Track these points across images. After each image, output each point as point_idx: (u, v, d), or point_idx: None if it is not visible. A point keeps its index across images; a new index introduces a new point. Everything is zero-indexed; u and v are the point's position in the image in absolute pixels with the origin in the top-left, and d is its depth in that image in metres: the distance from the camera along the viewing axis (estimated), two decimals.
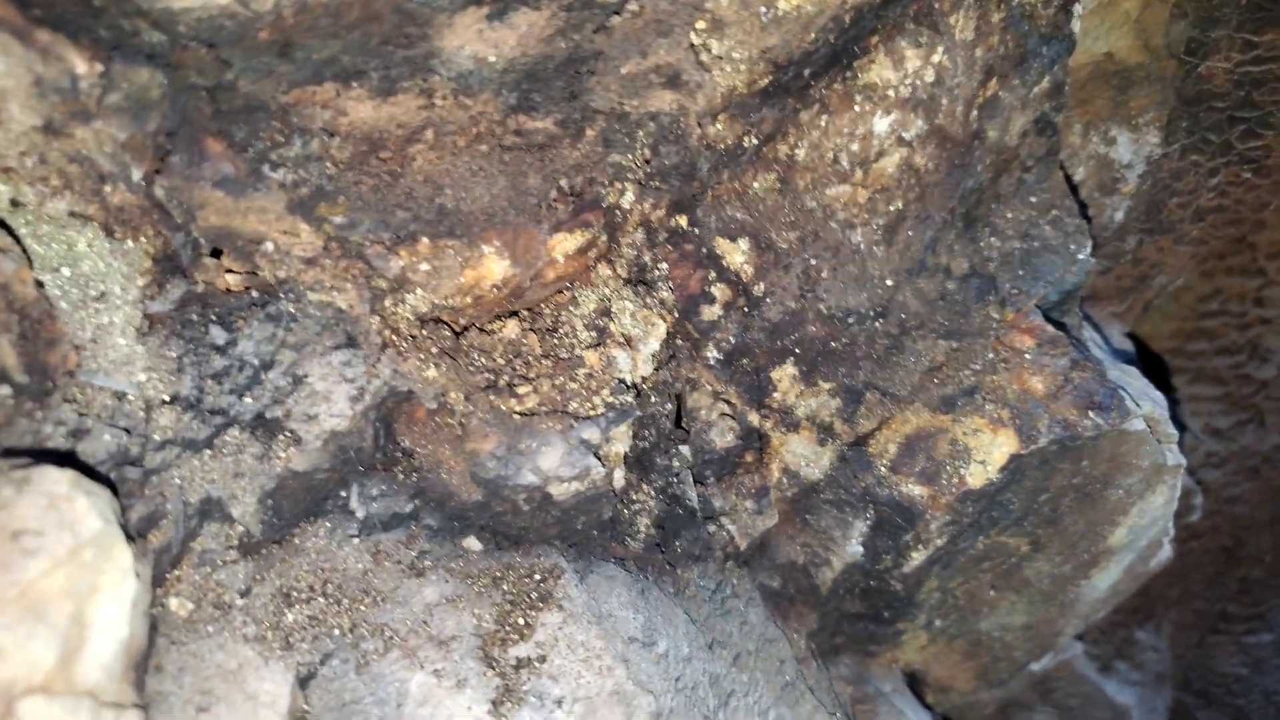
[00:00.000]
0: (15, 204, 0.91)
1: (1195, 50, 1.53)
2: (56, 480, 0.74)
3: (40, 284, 0.88)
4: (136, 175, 0.89)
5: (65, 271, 0.91)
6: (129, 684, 0.78)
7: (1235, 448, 2.38)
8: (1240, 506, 2.44)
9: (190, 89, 0.87)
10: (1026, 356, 1.31)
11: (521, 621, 1.00)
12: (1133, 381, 1.48)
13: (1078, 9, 1.30)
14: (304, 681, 0.91)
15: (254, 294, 0.96)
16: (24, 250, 0.88)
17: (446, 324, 1.07)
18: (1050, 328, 1.32)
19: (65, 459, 0.81)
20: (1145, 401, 1.42)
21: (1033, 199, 1.39)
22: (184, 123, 0.88)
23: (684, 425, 1.27)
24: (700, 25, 0.95)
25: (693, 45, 0.95)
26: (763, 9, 0.96)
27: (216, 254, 0.95)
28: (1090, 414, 1.31)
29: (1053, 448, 1.29)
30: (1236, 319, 2.28)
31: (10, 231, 0.88)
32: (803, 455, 1.28)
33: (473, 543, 1.04)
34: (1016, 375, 1.30)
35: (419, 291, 0.99)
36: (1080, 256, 1.34)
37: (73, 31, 0.83)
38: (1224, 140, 1.61)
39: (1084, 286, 1.40)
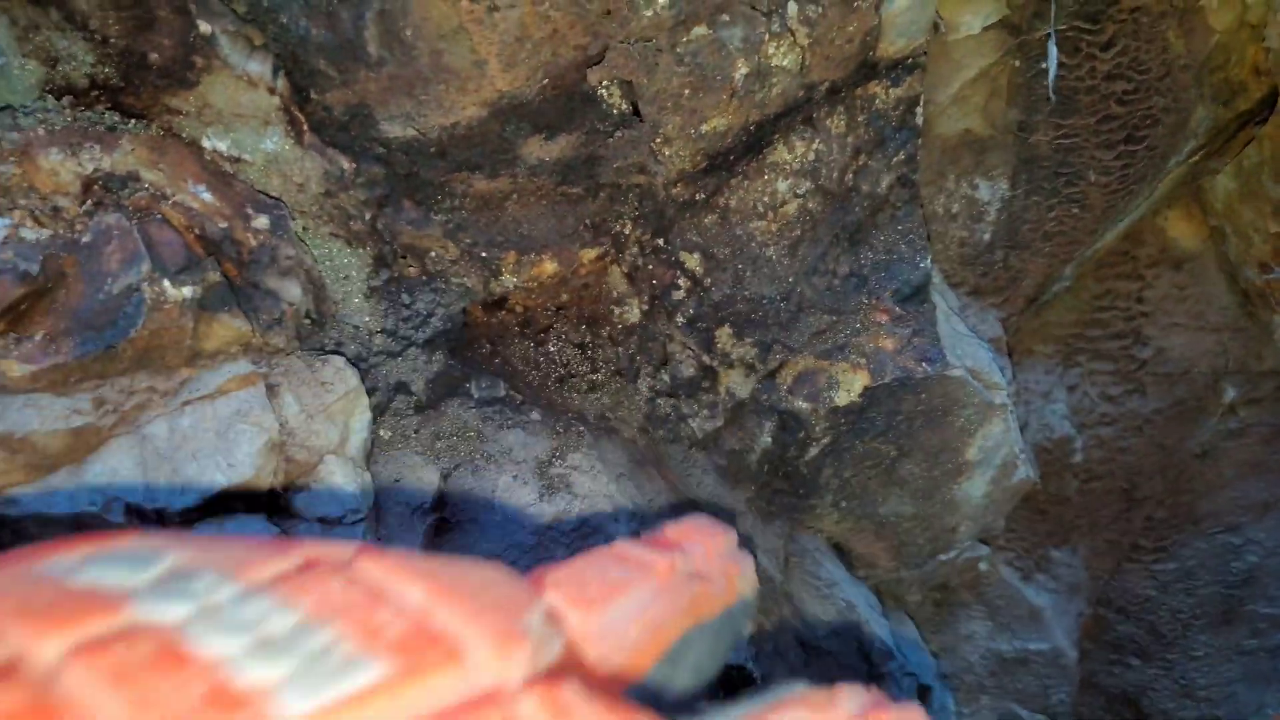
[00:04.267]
0: (305, 229, 1.71)
1: (1024, 128, 2.19)
2: (339, 359, 1.54)
3: (320, 272, 1.68)
4: (367, 216, 1.68)
5: (329, 264, 1.71)
6: (364, 460, 1.57)
7: (1124, 410, 2.98)
8: (1130, 456, 3.04)
9: (396, 174, 1.66)
10: (882, 327, 2.01)
11: (560, 455, 1.77)
12: (966, 348, 2.15)
13: (918, 110, 1.99)
14: (445, 477, 1.69)
15: (424, 278, 1.75)
16: (314, 252, 1.69)
17: (531, 299, 1.84)
18: (899, 309, 2.02)
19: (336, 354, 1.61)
20: (969, 360, 2.10)
21: (899, 228, 2.09)
22: (393, 191, 1.67)
23: (666, 361, 2.02)
24: (657, 141, 1.69)
25: (652, 150, 1.70)
26: (693, 131, 1.70)
27: (405, 257, 1.74)
28: (923, 364, 2.00)
29: (895, 384, 1.99)
30: (1123, 312, 2.90)
31: (306, 245, 1.69)
32: (737, 382, 2.02)
33: (535, 415, 1.81)
34: (874, 338, 2.01)
35: (509, 277, 1.77)
36: (922, 265, 2.03)
37: (343, 148, 1.62)
38: (1053, 187, 2.26)
39: (929, 284, 2.08)
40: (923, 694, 2.57)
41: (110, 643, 0.42)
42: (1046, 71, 2.09)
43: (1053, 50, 2.05)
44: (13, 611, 0.43)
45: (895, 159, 2.01)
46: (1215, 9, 2.14)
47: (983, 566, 2.84)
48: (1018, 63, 2.12)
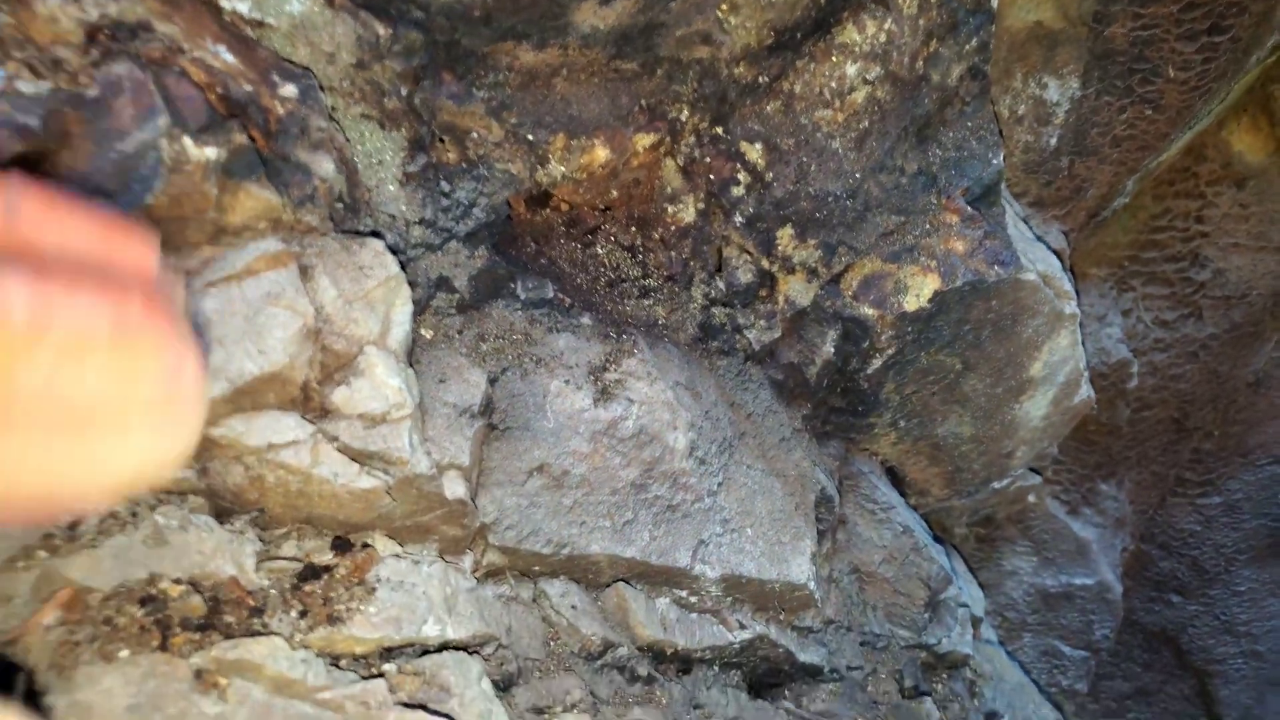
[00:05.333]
0: (333, 108, 1.53)
1: (1101, 19, 2.01)
2: (377, 243, 1.37)
3: (353, 154, 1.51)
4: (404, 91, 1.50)
5: (360, 147, 1.54)
6: (405, 356, 1.41)
7: (1179, 335, 2.83)
8: (1183, 384, 2.90)
9: (435, 43, 1.48)
10: (952, 228, 1.85)
11: (614, 361, 1.61)
12: (1037, 253, 1.98)
13: None
14: (492, 381, 1.53)
15: (465, 164, 1.57)
16: (345, 134, 1.51)
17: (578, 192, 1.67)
18: (970, 209, 1.85)
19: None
20: (1041, 264, 1.93)
21: (968, 124, 1.91)
22: (431, 62, 1.49)
23: (721, 267, 1.85)
24: (724, 7, 1.51)
25: (718, 18, 1.52)
26: None
27: (444, 140, 1.57)
28: (995, 267, 1.84)
29: (966, 288, 1.83)
30: (1181, 233, 2.73)
31: (338, 125, 1.51)
32: (797, 290, 1.85)
33: (586, 319, 1.65)
34: (944, 239, 1.84)
35: (557, 165, 1.59)
36: (994, 162, 1.86)
37: (377, 10, 1.44)
38: (1127, 85, 2.09)
39: (1000, 183, 1.91)
40: (975, 625, 2.44)
41: None
42: None
43: None
44: None
45: (968, 46, 1.83)
46: None
47: (1031, 498, 2.70)
48: None
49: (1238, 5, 2.00)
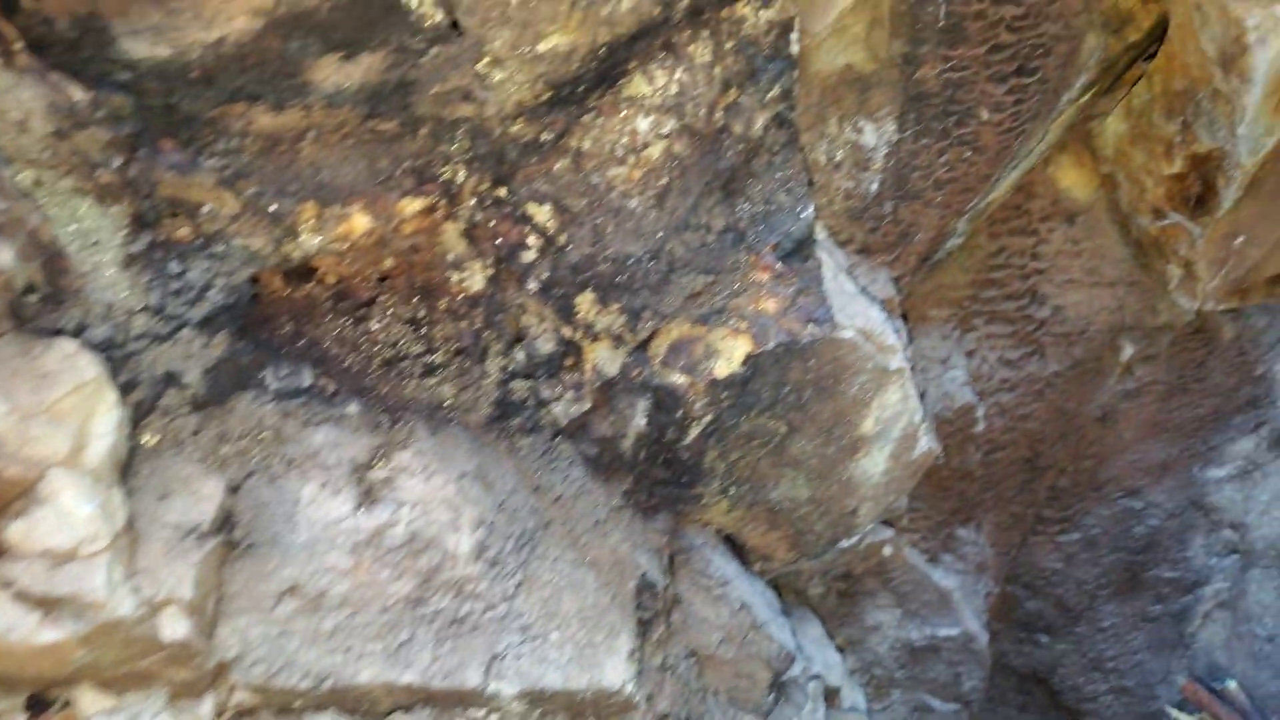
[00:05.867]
0: (38, 183, 1.32)
1: (910, 61, 1.94)
2: (68, 344, 1.17)
3: (56, 236, 1.30)
4: (117, 163, 1.31)
5: (73, 226, 1.33)
6: (116, 473, 1.20)
7: (1024, 374, 2.80)
8: (1032, 423, 2.86)
9: (149, 107, 1.29)
10: (763, 286, 1.74)
11: (384, 455, 1.43)
12: (857, 308, 1.90)
13: (793, 37, 1.72)
14: (234, 489, 1.33)
15: (198, 241, 1.38)
16: (45, 214, 1.30)
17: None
18: (781, 265, 1.74)
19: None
20: (860, 320, 1.84)
21: (777, 175, 1.81)
22: (146, 128, 1.30)
23: (520, 337, 1.70)
24: (483, 61, 1.37)
25: (478, 74, 1.37)
26: (528, 50, 1.38)
27: (173, 215, 1.37)
28: (809, 326, 1.74)
29: (780, 349, 1.71)
30: (1019, 270, 2.71)
31: (35, 202, 1.31)
32: (604, 357, 1.71)
33: (352, 407, 1.47)
34: (755, 299, 1.73)
35: (310, 236, 1.42)
36: (804, 215, 1.76)
37: (73, 72, 1.25)
38: (944, 128, 2.03)
39: (813, 238, 1.81)
40: (830, 696, 2.32)
41: None
42: None
43: None
44: None
45: (769, 94, 1.73)
46: None
47: (887, 551, 2.61)
48: None
49: (1043, 47, 1.96)
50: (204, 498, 1.27)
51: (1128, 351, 2.88)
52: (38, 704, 1.14)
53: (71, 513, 1.09)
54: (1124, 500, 3.17)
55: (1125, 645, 3.32)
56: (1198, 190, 2.35)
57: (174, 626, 1.16)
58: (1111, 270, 2.70)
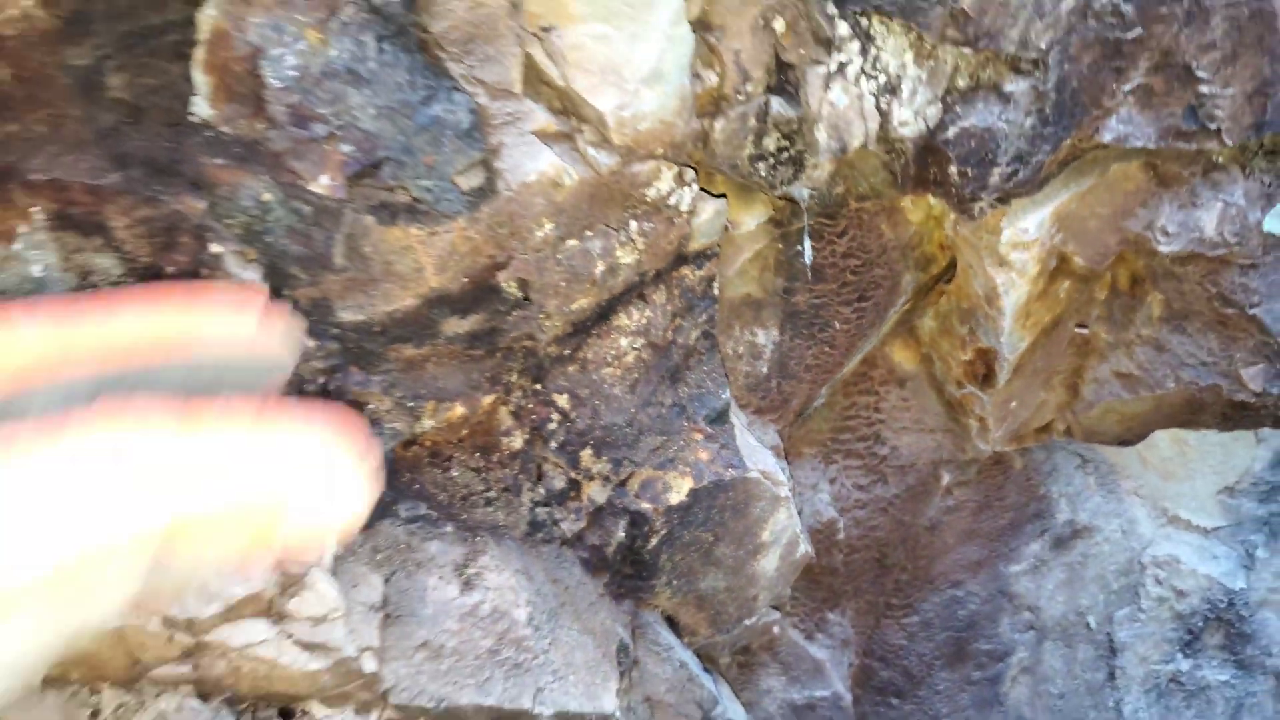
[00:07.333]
0: None
1: (788, 292, 2.95)
2: None
3: None
4: (320, 380, 2.14)
5: None
6: (331, 570, 2.00)
7: (872, 496, 3.78)
8: (880, 532, 3.83)
9: (347, 349, 2.14)
10: (698, 443, 2.65)
11: (472, 559, 2.25)
12: (759, 456, 2.84)
13: (715, 283, 2.69)
14: (386, 581, 2.13)
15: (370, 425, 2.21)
16: None
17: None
18: (709, 429, 2.67)
19: None
20: (761, 464, 2.79)
21: (705, 369, 2.76)
22: (344, 360, 2.15)
23: (540, 478, 2.56)
24: (541, 317, 2.27)
25: (539, 323, 2.27)
26: (566, 309, 2.29)
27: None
28: (729, 470, 2.66)
29: (711, 485, 2.62)
30: (865, 420, 3.71)
31: None
32: (596, 491, 2.58)
33: (449, 527, 2.29)
34: (694, 452, 2.64)
35: (428, 420, 2.26)
36: (723, 395, 2.70)
37: (306, 329, 2.08)
38: (810, 333, 3.03)
39: (729, 409, 2.75)
40: None
41: None
42: (803, 252, 2.87)
43: (806, 239, 2.84)
44: None
45: (700, 319, 2.69)
46: (911, 208, 3.01)
47: (775, 629, 3.51)
48: (781, 246, 2.88)
49: (874, 283, 2.99)
50: (373, 586, 2.07)
51: (946, 478, 3.90)
52: (287, 712, 1.89)
53: (325, 594, 1.88)
54: (950, 590, 4.16)
55: (955, 704, 4.26)
56: (983, 371, 3.41)
57: (369, 664, 1.94)
58: (932, 420, 3.73)
